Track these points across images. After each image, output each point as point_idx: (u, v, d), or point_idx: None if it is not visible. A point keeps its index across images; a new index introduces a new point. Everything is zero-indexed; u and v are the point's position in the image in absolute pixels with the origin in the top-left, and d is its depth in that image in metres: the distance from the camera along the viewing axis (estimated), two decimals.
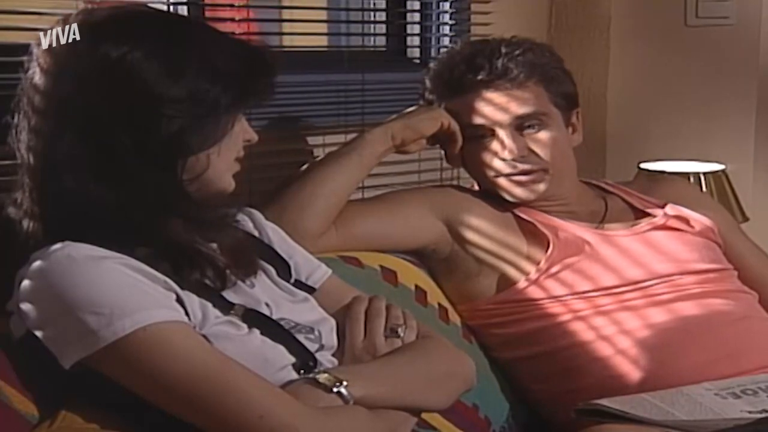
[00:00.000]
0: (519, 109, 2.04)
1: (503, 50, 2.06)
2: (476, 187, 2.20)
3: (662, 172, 2.76)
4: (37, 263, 1.33)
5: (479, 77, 2.04)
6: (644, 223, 2.13)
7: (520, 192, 2.07)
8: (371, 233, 2.00)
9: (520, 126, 2.05)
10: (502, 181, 2.07)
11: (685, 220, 2.14)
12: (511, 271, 2.04)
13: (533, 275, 2.02)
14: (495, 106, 2.05)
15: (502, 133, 2.04)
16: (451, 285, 2.09)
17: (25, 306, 1.33)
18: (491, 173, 2.07)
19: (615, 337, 1.97)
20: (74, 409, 1.34)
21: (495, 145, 2.05)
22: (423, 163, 2.55)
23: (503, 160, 2.05)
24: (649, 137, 3.01)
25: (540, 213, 2.09)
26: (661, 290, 2.02)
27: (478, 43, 2.12)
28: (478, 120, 2.05)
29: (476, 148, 2.07)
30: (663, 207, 2.16)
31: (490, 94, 2.04)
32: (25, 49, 1.43)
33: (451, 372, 1.58)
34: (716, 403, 1.74)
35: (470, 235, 2.06)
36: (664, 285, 2.02)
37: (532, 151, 2.05)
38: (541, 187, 2.07)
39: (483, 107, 2.05)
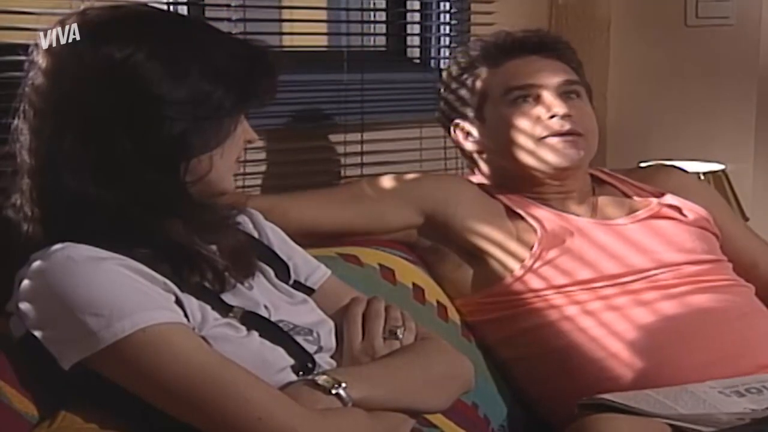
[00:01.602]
0: (567, 75, 2.12)
1: (541, 32, 2.19)
2: (474, 178, 2.20)
3: None
4: (36, 264, 1.33)
5: (530, 44, 2.13)
6: (638, 212, 2.13)
7: (568, 152, 2.07)
8: (328, 222, 2.02)
9: (563, 92, 2.09)
10: (553, 141, 2.07)
11: (678, 209, 2.14)
12: (500, 262, 2.04)
13: (519, 271, 2.02)
14: (546, 69, 2.11)
15: (549, 95, 2.08)
16: (442, 275, 2.10)
17: (25, 306, 1.33)
18: (539, 132, 2.07)
19: (610, 337, 1.97)
20: (74, 409, 1.34)
21: (539, 109, 2.08)
22: (425, 153, 2.55)
23: (553, 117, 2.07)
24: (649, 137, 3.01)
25: (531, 204, 2.09)
26: (641, 286, 2.01)
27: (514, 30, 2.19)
28: (529, 80, 2.09)
29: (520, 110, 2.09)
30: (658, 196, 2.17)
31: (543, 58, 2.12)
32: (24, 48, 1.43)
33: (449, 374, 1.57)
34: (720, 401, 1.74)
35: (456, 227, 2.07)
36: (644, 281, 2.02)
37: (575, 116, 2.09)
38: (582, 152, 2.09)
39: (536, 68, 2.10)
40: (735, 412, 1.69)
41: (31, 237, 1.38)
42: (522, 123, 2.08)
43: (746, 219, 2.72)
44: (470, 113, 2.15)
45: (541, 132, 2.07)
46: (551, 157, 2.08)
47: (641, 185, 2.21)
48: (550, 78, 2.09)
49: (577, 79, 2.13)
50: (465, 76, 2.15)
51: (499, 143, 2.12)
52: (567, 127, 2.06)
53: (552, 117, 2.06)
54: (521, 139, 2.08)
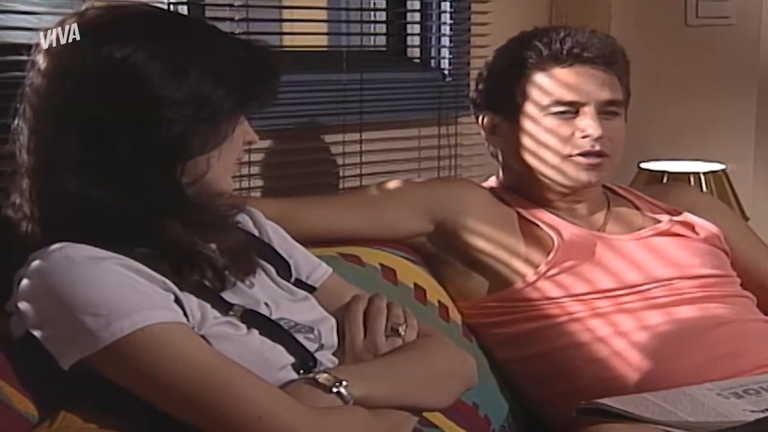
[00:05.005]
0: (611, 93, 2.07)
1: (600, 35, 2.11)
2: (488, 181, 2.20)
3: (662, 172, 2.76)
4: (35, 263, 1.32)
5: (586, 54, 2.06)
6: (648, 228, 2.13)
7: (587, 174, 2.06)
8: (344, 228, 2.02)
9: (602, 111, 2.06)
10: (579, 159, 2.05)
11: (691, 227, 2.14)
12: (508, 272, 2.05)
13: (532, 276, 2.02)
14: (593, 85, 2.06)
15: (588, 113, 2.05)
16: (446, 279, 2.10)
17: (24, 306, 1.33)
18: (567, 151, 2.05)
19: (611, 339, 1.98)
20: (74, 409, 1.34)
21: (575, 124, 2.05)
22: (423, 151, 2.55)
23: (585, 137, 2.04)
24: (649, 137, 3.01)
25: (545, 213, 2.09)
26: (658, 294, 2.02)
27: (571, 26, 2.14)
28: (571, 95, 2.06)
29: (557, 124, 2.06)
30: (671, 213, 2.17)
31: (594, 70, 2.07)
32: (26, 48, 1.42)
33: (452, 371, 1.57)
34: (719, 403, 1.74)
35: (464, 236, 2.07)
36: (662, 289, 2.02)
37: (606, 138, 2.06)
38: (602, 174, 2.08)
39: (584, 84, 2.06)
40: (738, 420, 1.69)
41: (30, 236, 1.37)
42: (554, 136, 2.06)
43: (746, 219, 2.72)
44: (504, 109, 2.12)
45: (571, 150, 2.05)
46: (573, 174, 2.06)
47: (656, 202, 2.21)
48: (595, 96, 2.05)
49: (619, 99, 2.09)
50: (512, 71, 2.10)
51: (523, 147, 2.09)
52: (597, 148, 2.05)
53: (585, 137, 2.04)
54: (548, 152, 2.07)
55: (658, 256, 2.08)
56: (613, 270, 2.03)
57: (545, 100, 2.07)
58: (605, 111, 2.07)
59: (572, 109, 2.06)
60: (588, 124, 2.04)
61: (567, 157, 2.06)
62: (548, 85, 2.07)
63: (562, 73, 2.07)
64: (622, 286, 2.02)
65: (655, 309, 2.00)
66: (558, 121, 2.06)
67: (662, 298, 2.02)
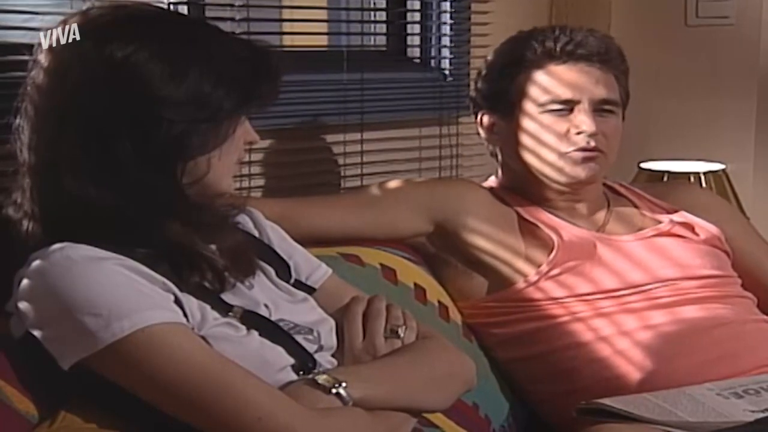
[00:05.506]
0: (606, 92, 2.08)
1: (598, 33, 2.12)
2: (488, 181, 2.20)
3: (662, 172, 2.76)
4: (35, 263, 1.32)
5: (580, 51, 2.07)
6: (648, 229, 2.13)
7: (583, 169, 2.06)
8: (346, 228, 2.02)
9: (597, 109, 2.06)
10: (575, 155, 2.05)
11: (691, 228, 2.14)
12: (508, 272, 2.05)
13: (533, 277, 2.03)
14: (589, 83, 2.07)
15: (583, 109, 2.05)
16: (447, 279, 2.10)
17: (24, 306, 1.33)
18: (564, 147, 2.05)
19: (613, 339, 1.98)
20: (74, 409, 1.34)
21: (570, 120, 2.06)
22: (424, 151, 2.55)
23: (580, 133, 2.04)
24: (649, 137, 3.02)
25: (545, 213, 2.09)
26: (662, 293, 2.02)
27: (568, 26, 2.14)
28: (567, 92, 2.06)
29: (551, 121, 2.06)
30: (672, 213, 2.16)
31: (590, 68, 2.07)
32: (28, 48, 1.42)
33: (451, 373, 1.57)
34: (719, 403, 1.74)
35: (464, 236, 2.07)
36: (666, 288, 2.03)
37: (601, 134, 2.06)
38: (598, 167, 2.07)
39: (579, 81, 2.06)
40: (738, 420, 1.69)
41: (30, 235, 1.37)
42: (550, 134, 2.06)
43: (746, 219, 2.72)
44: (501, 107, 2.13)
45: (566, 147, 2.05)
46: (569, 171, 2.06)
47: (657, 201, 2.21)
48: (589, 93, 2.05)
49: (614, 98, 2.09)
50: (508, 69, 2.11)
51: (521, 145, 2.10)
52: (591, 144, 2.05)
53: (579, 133, 2.05)
54: (545, 149, 2.07)
55: (660, 256, 2.08)
56: (616, 270, 2.04)
57: (541, 98, 2.07)
58: (600, 109, 2.07)
59: (567, 107, 2.06)
60: (582, 120, 2.05)
61: (564, 154, 2.06)
62: (543, 82, 2.07)
63: (557, 70, 2.07)
64: (626, 286, 2.02)
65: (658, 309, 2.00)
66: (554, 118, 2.06)
67: (666, 297, 2.02)
